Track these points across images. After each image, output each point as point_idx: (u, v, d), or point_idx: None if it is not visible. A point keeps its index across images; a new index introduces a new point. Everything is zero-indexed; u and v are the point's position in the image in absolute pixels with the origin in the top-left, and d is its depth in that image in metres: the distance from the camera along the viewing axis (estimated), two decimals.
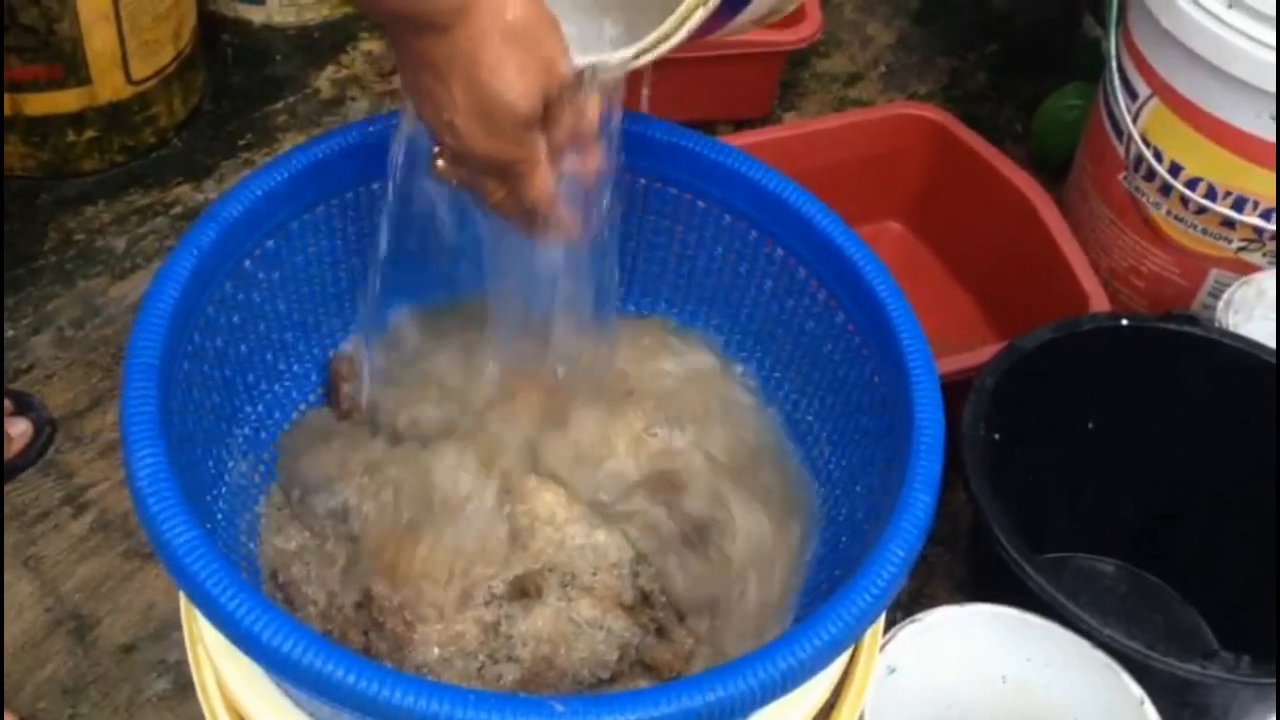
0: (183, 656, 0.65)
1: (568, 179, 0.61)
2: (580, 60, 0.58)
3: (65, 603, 0.91)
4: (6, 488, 0.96)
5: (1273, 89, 0.91)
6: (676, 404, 0.72)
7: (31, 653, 0.88)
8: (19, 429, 0.98)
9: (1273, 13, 0.89)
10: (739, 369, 0.75)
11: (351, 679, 0.48)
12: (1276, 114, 0.92)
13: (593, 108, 0.60)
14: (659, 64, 0.60)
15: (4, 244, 1.11)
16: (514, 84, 0.55)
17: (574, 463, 0.70)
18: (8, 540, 0.94)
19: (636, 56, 0.59)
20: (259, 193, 0.65)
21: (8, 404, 0.98)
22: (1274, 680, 0.72)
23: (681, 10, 0.58)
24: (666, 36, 0.58)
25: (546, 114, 0.58)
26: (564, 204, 0.61)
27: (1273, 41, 0.90)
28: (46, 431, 1.00)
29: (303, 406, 0.72)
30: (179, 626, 0.66)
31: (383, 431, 0.71)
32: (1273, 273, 0.97)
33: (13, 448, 0.97)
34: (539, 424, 0.71)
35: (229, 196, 0.64)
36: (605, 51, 0.59)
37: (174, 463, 0.53)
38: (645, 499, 0.70)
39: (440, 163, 0.61)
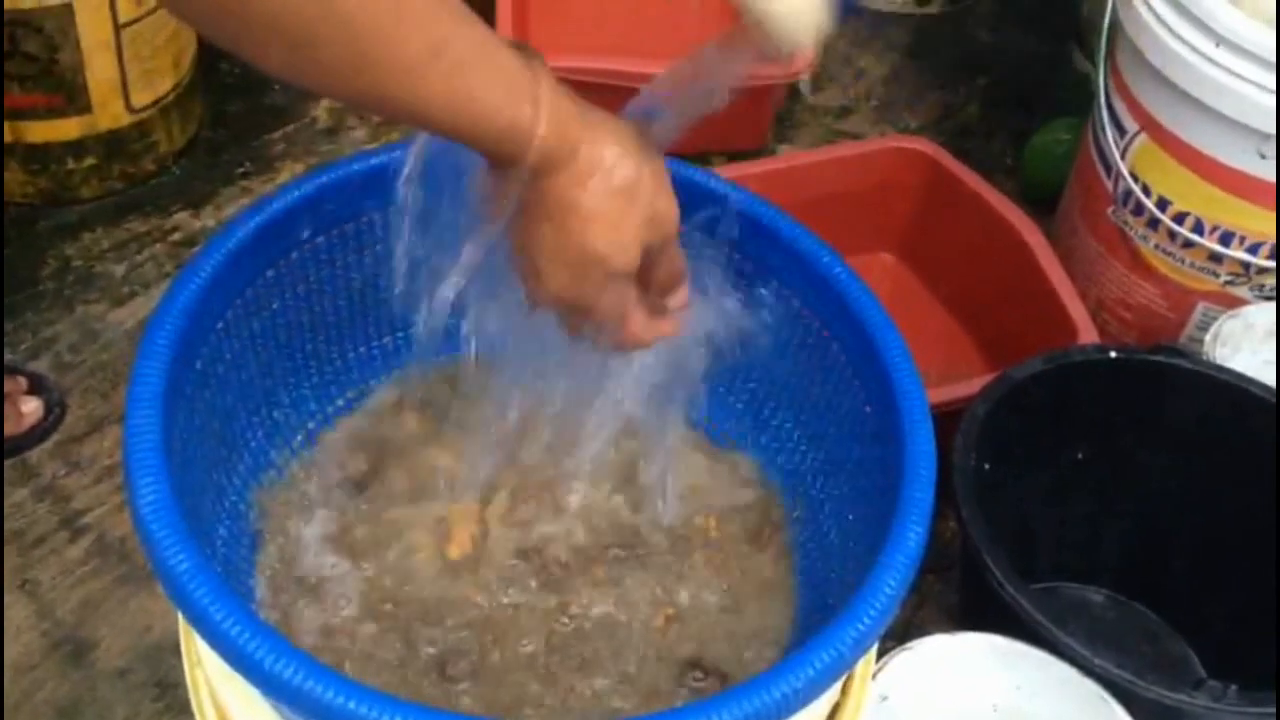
0: (178, 679, 0.66)
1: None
2: None
3: (62, 625, 0.91)
4: (8, 494, 0.98)
5: (1260, 125, 0.93)
6: None
7: (28, 675, 0.88)
8: (30, 407, 1.02)
9: (1259, 51, 0.91)
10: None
11: (350, 704, 0.48)
12: (1277, 154, 0.94)
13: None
14: None
15: (3, 268, 1.12)
16: (610, 238, 0.54)
17: None
18: (4, 564, 0.94)
19: None
20: (262, 222, 0.65)
21: (21, 382, 1.03)
22: (1265, 710, 0.73)
23: None
24: None
25: (645, 263, 0.56)
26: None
27: (1259, 79, 0.92)
28: (56, 412, 1.03)
29: (302, 435, 0.73)
30: (175, 650, 0.66)
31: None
32: (1261, 306, 0.99)
33: (23, 424, 1.01)
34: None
35: (232, 226, 0.65)
36: None
37: (175, 488, 0.54)
38: None
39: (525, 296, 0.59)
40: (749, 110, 1.30)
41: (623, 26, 1.44)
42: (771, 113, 1.33)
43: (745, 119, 1.31)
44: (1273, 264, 0.99)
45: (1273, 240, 0.98)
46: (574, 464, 0.71)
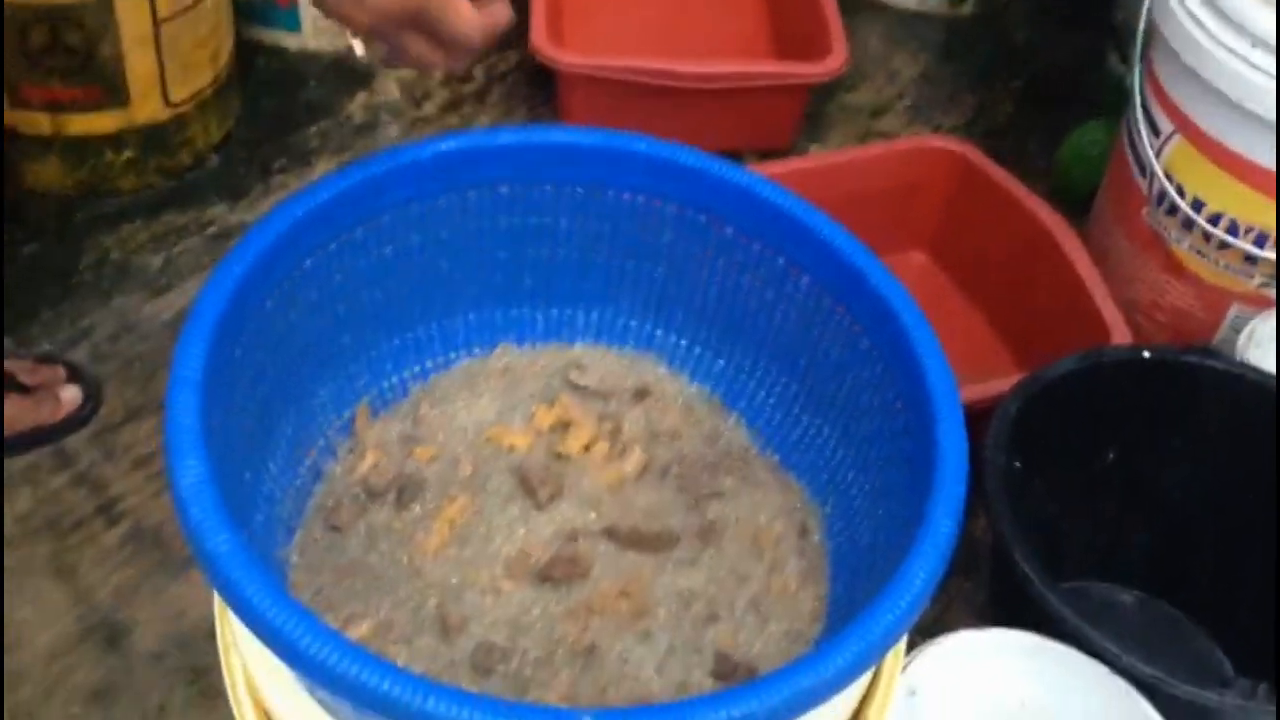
0: (212, 664, 0.66)
1: None
2: None
3: (97, 611, 0.93)
4: (46, 482, 1.00)
5: None
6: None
7: (62, 660, 0.90)
8: (69, 394, 1.04)
9: None
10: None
11: (390, 688, 0.49)
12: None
13: None
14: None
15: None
16: None
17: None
18: (40, 550, 0.96)
19: None
20: (300, 214, 0.66)
21: (60, 371, 1.05)
22: None
23: None
24: None
25: None
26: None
27: None
28: (93, 402, 1.05)
29: (337, 426, 0.74)
30: (209, 635, 0.67)
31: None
32: None
33: (61, 412, 1.03)
34: None
35: (271, 217, 0.66)
36: None
37: (214, 474, 0.55)
38: None
39: (359, 48, 0.65)
40: (781, 109, 1.31)
41: (651, 27, 1.45)
42: (803, 112, 1.33)
43: (777, 118, 1.31)
44: None
45: None
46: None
